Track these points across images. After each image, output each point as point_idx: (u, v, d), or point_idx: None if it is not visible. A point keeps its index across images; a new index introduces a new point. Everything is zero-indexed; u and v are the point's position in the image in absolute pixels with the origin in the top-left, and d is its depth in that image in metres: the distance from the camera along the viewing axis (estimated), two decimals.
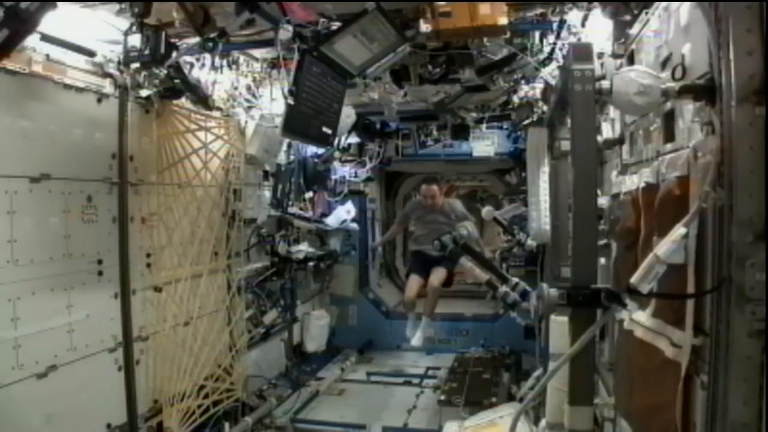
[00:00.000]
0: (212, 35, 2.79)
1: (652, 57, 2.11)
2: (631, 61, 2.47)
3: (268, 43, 3.24)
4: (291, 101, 2.85)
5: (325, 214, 6.29)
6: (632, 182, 2.22)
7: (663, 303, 1.77)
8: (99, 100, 3.24)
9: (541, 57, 3.49)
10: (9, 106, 2.69)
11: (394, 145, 6.71)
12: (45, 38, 2.74)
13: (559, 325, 2.67)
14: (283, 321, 5.55)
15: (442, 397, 4.63)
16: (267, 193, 5.26)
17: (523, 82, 4.38)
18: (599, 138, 2.84)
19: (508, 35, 2.95)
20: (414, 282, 6.24)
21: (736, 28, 1.36)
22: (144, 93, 3.47)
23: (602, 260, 2.72)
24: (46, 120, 2.89)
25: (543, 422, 2.98)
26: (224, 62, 3.90)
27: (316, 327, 6.04)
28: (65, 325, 3.00)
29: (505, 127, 6.34)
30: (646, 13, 2.23)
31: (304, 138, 3.56)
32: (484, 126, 5.77)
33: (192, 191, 4.05)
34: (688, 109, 1.71)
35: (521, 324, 4.30)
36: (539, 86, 4.29)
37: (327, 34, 2.88)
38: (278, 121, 3.45)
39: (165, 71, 3.29)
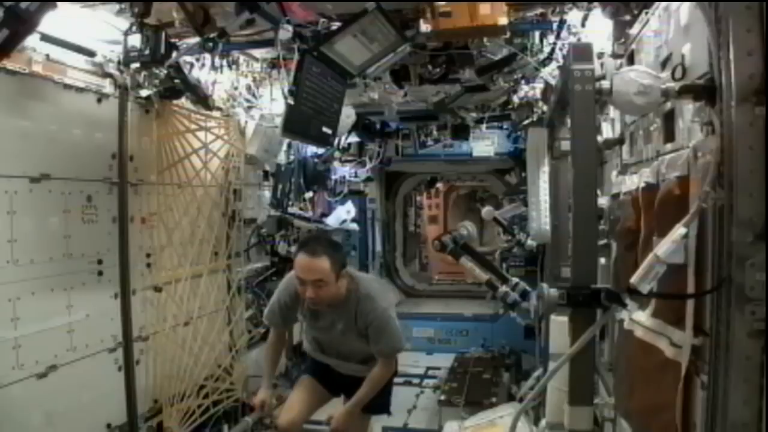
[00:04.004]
0: (212, 35, 2.78)
1: (652, 57, 2.11)
2: (631, 61, 2.47)
3: (268, 43, 3.23)
4: (291, 101, 2.85)
5: (325, 214, 6.28)
6: (632, 182, 2.22)
7: (663, 303, 1.77)
8: (99, 100, 3.24)
9: (541, 57, 3.49)
10: (9, 106, 2.68)
11: (394, 145, 6.70)
12: (45, 38, 2.74)
13: (559, 325, 2.67)
14: None
15: (442, 397, 4.63)
16: (267, 193, 5.26)
17: (523, 82, 4.37)
18: (599, 138, 2.84)
19: (508, 35, 2.95)
20: (304, 392, 3.35)
21: (736, 28, 1.36)
22: (144, 93, 3.47)
23: (602, 260, 2.72)
24: (46, 120, 2.89)
25: (543, 422, 2.98)
26: (224, 62, 3.90)
27: None
28: (65, 325, 2.99)
29: (505, 127, 6.33)
30: (646, 13, 2.23)
31: (304, 138, 3.56)
32: (484, 126, 5.76)
33: (192, 191, 4.05)
34: (688, 109, 1.71)
35: (521, 324, 4.31)
36: (539, 86, 4.28)
37: (327, 34, 2.88)
38: (278, 121, 3.45)
39: (165, 71, 3.28)
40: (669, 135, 1.94)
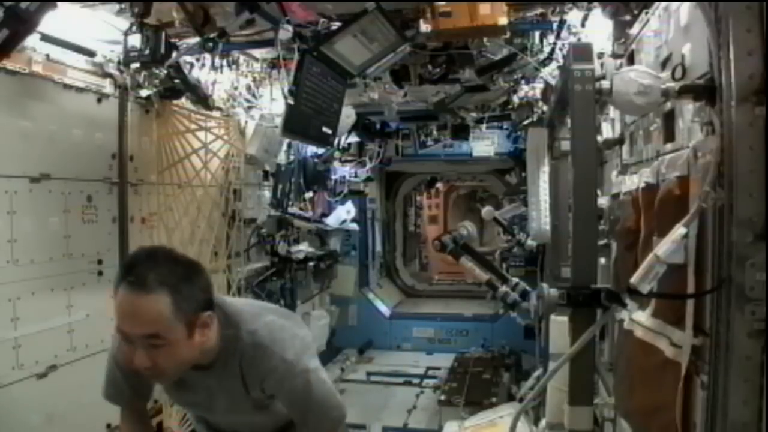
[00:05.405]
0: (212, 35, 2.79)
1: (652, 57, 2.11)
2: (631, 61, 2.47)
3: (268, 43, 3.23)
4: (291, 101, 2.85)
5: (325, 214, 6.29)
6: (632, 182, 2.22)
7: (663, 303, 1.77)
8: (99, 100, 3.23)
9: (541, 57, 3.49)
10: (9, 106, 2.68)
11: (394, 145, 6.70)
12: (45, 38, 2.73)
13: (559, 325, 2.67)
14: None
15: (442, 397, 4.63)
16: (267, 193, 5.26)
17: (523, 82, 4.38)
18: (599, 138, 2.84)
19: (508, 35, 2.95)
20: None
21: (736, 28, 1.36)
22: (144, 93, 3.47)
23: (602, 260, 2.72)
24: (46, 120, 2.89)
25: (543, 422, 2.98)
26: (224, 62, 3.90)
27: (316, 327, 6.03)
28: (65, 325, 2.99)
29: (505, 127, 6.34)
30: (646, 13, 2.23)
31: (304, 138, 3.56)
32: (484, 126, 5.77)
33: (192, 191, 4.04)
34: (688, 109, 1.71)
35: (521, 324, 4.31)
36: (539, 86, 4.28)
37: (327, 34, 2.89)
38: (278, 121, 3.45)
39: (165, 71, 3.28)
40: (669, 135, 1.94)
